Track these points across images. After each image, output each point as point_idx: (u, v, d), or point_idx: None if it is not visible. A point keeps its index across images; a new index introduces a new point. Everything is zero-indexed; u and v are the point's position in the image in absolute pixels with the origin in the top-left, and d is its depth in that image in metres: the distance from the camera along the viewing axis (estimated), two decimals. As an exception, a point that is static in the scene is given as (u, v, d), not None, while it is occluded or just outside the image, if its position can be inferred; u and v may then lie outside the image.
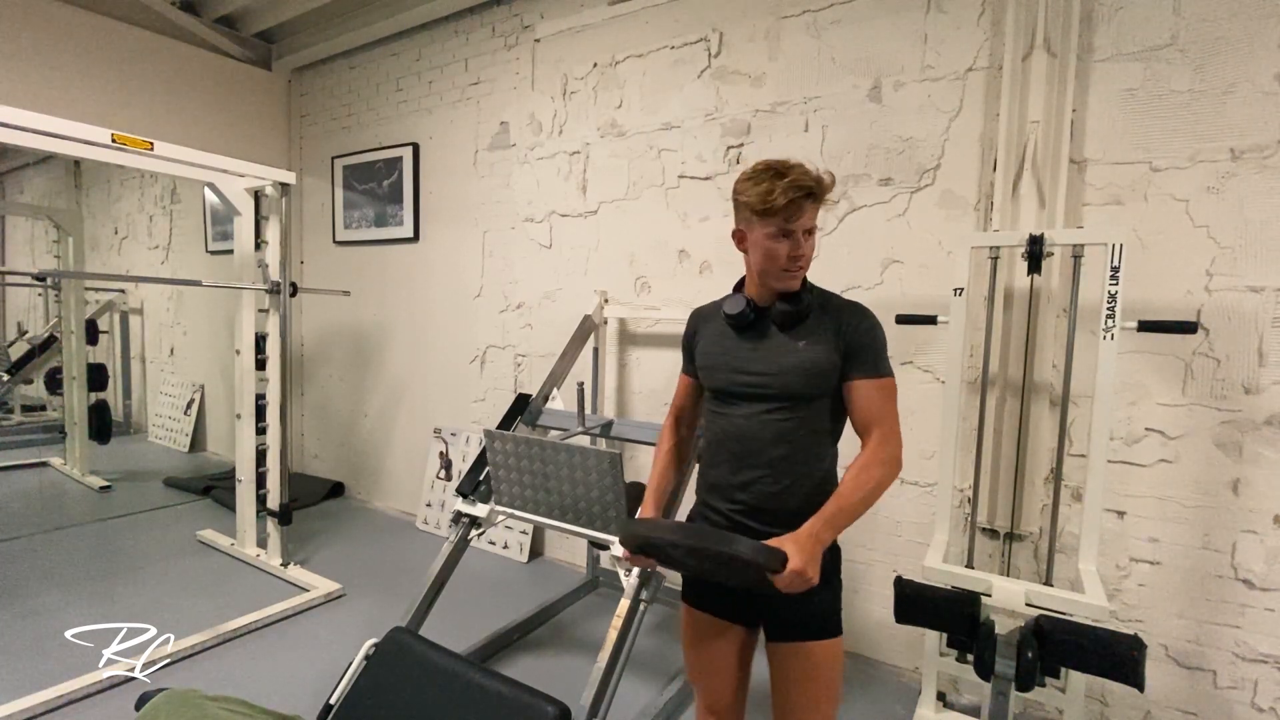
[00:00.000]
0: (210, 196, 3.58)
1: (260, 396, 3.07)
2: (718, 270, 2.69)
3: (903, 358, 2.30)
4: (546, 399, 2.50)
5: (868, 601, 2.41)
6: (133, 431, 5.93)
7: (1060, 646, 1.36)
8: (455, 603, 2.59)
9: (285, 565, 2.98)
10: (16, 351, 5.12)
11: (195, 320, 5.40)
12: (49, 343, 4.81)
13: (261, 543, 3.15)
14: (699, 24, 2.71)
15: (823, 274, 2.33)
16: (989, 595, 1.59)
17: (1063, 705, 1.79)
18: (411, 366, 3.91)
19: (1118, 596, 1.99)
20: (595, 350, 2.93)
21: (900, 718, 2.09)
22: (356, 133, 4.06)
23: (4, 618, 2.51)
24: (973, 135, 2.16)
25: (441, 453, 3.64)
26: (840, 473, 1.30)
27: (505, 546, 3.35)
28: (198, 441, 5.33)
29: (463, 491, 2.13)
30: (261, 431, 3.08)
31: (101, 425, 4.48)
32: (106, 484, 4.23)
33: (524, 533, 3.31)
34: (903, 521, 2.34)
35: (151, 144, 2.41)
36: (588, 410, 2.49)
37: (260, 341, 3.05)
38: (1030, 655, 1.36)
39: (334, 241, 4.22)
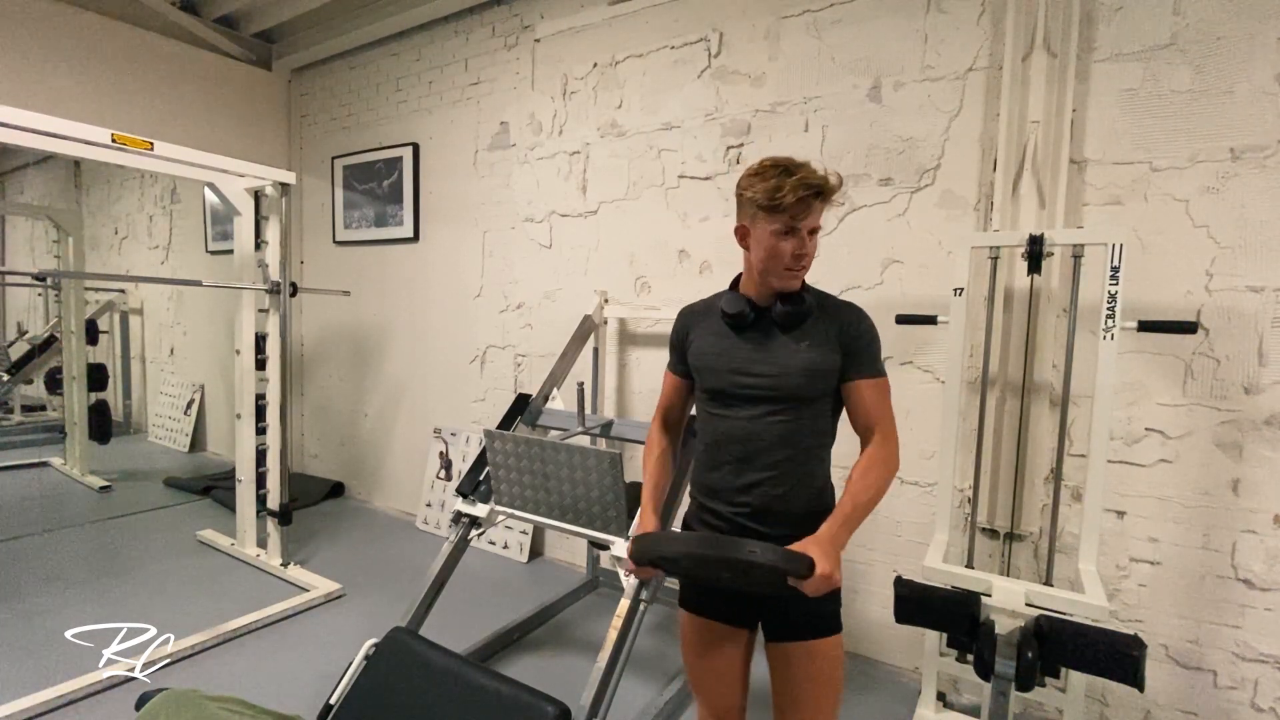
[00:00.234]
0: (210, 196, 3.58)
1: (260, 396, 3.07)
2: (718, 270, 2.69)
3: (903, 358, 2.30)
4: (546, 399, 2.50)
5: (868, 601, 2.41)
6: (133, 431, 5.93)
7: (1060, 646, 1.36)
8: (455, 603, 2.59)
9: (285, 565, 2.98)
10: (16, 351, 5.12)
11: (195, 320, 5.39)
12: (49, 343, 4.81)
13: (261, 543, 3.15)
14: (699, 24, 2.71)
15: (823, 274, 2.33)
16: (989, 595, 1.58)
17: (1063, 705, 1.79)
18: (411, 366, 3.91)
19: (1118, 596, 1.99)
20: (595, 350, 2.93)
21: (900, 718, 2.09)
22: (356, 133, 4.06)
23: (4, 618, 2.51)
24: (973, 135, 2.16)
25: (441, 453, 3.64)
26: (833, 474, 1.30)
27: (505, 546, 3.35)
28: (198, 441, 5.33)
29: (463, 491, 2.13)
30: (261, 431, 3.08)
31: (101, 425, 4.47)
32: (106, 484, 4.23)
33: (524, 533, 3.31)
34: (903, 521, 2.34)
35: (151, 144, 2.41)
36: (588, 410, 2.49)
37: (260, 341, 3.05)
38: (1030, 655, 1.36)
39: (334, 241, 4.22)
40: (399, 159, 3.80)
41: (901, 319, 2.07)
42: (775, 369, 1.21)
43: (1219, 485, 1.86)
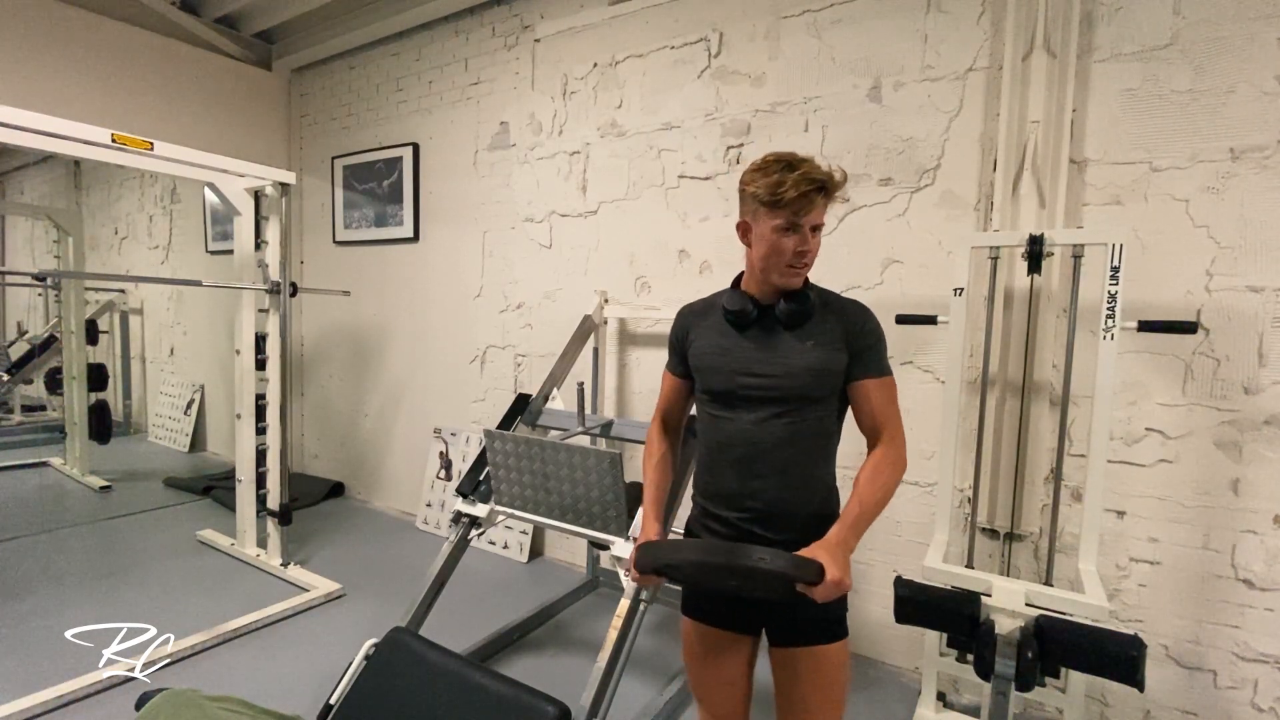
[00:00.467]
0: (210, 196, 3.58)
1: (260, 396, 3.07)
2: (718, 270, 2.69)
3: (903, 358, 2.30)
4: (546, 399, 2.50)
5: (868, 601, 2.41)
6: (133, 431, 5.94)
7: (1060, 646, 1.36)
8: (455, 603, 2.59)
9: (285, 565, 2.98)
10: (16, 351, 5.13)
11: (195, 320, 5.40)
12: (49, 343, 4.82)
13: (261, 543, 3.15)
14: (699, 24, 2.71)
15: (823, 274, 2.32)
16: (989, 595, 1.58)
17: (1063, 705, 1.79)
18: (411, 366, 3.91)
19: (1118, 596, 1.99)
20: (595, 350, 2.93)
21: (900, 718, 2.09)
22: (356, 133, 4.06)
23: (4, 618, 2.51)
24: (973, 135, 2.16)
25: (441, 453, 3.64)
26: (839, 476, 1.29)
27: (505, 546, 3.35)
28: (198, 441, 5.33)
29: (463, 491, 2.13)
30: (261, 431, 3.08)
31: (101, 425, 4.48)
32: (106, 484, 4.24)
33: (524, 533, 3.31)
34: (903, 521, 2.34)
35: (151, 144, 2.41)
36: (588, 410, 2.49)
37: (260, 341, 3.05)
38: (1030, 655, 1.36)
39: (334, 241, 4.22)
40: (399, 159, 3.80)
41: (901, 319, 2.07)
42: (779, 369, 1.18)
43: (1219, 485, 1.86)
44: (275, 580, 2.93)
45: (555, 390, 2.54)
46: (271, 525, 3.03)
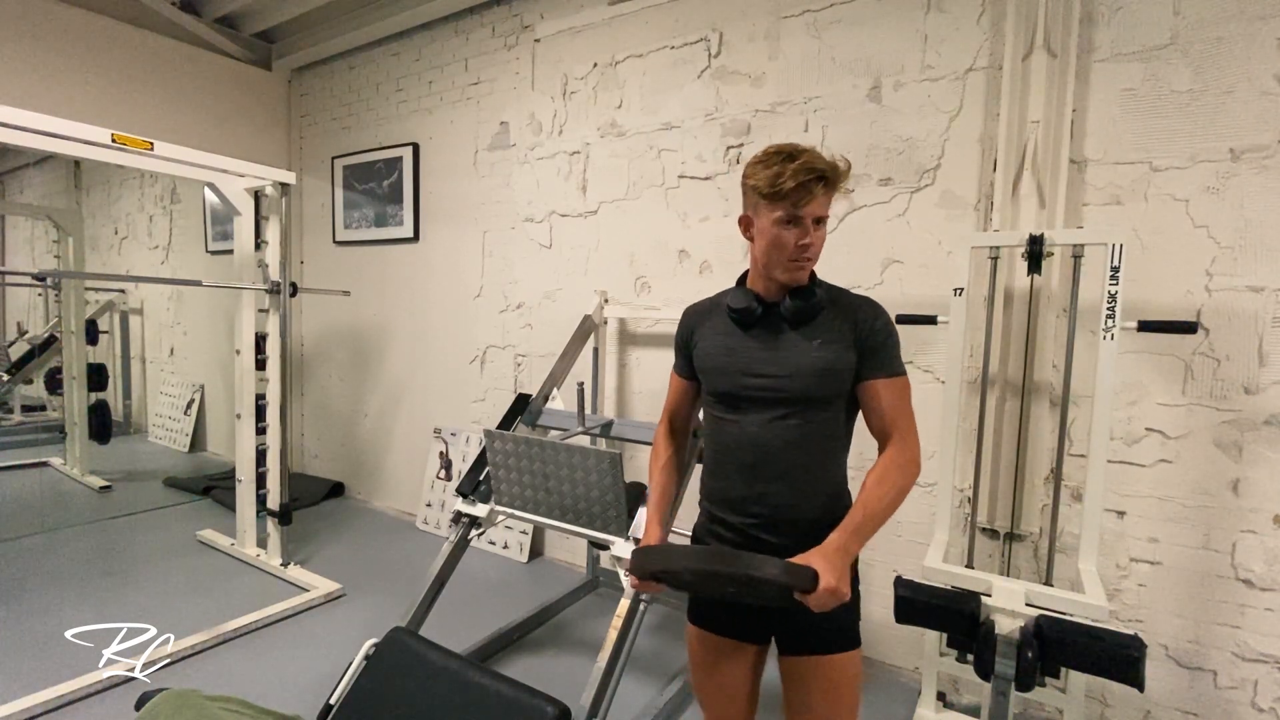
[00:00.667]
0: (210, 196, 3.58)
1: (260, 396, 3.07)
2: (718, 270, 2.69)
3: (903, 358, 2.29)
4: (546, 399, 2.50)
5: (868, 601, 2.41)
6: (133, 431, 5.93)
7: (1060, 646, 1.36)
8: (455, 603, 2.59)
9: (285, 565, 2.98)
10: (16, 351, 5.12)
11: (195, 320, 5.39)
12: (49, 343, 4.81)
13: (261, 543, 3.15)
14: (699, 24, 2.71)
15: (823, 274, 2.31)
16: (989, 595, 1.58)
17: (1063, 705, 1.79)
18: (411, 366, 3.91)
19: (1118, 596, 1.99)
20: (595, 350, 2.93)
21: (900, 718, 2.09)
22: (356, 133, 4.06)
23: (4, 618, 2.51)
24: (973, 135, 2.16)
25: (441, 453, 3.64)
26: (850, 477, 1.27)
27: (505, 546, 3.35)
28: (198, 441, 5.32)
29: (463, 491, 2.13)
30: (261, 431, 3.08)
31: (101, 425, 4.47)
32: (106, 484, 4.23)
33: (524, 533, 3.31)
34: (903, 521, 2.34)
35: (151, 144, 2.41)
36: (588, 410, 2.49)
37: (260, 341, 3.05)
38: (1030, 655, 1.36)
39: (334, 241, 4.22)
40: (399, 159, 3.80)
41: (901, 319, 2.07)
42: (785, 369, 1.14)
43: (1219, 485, 1.86)
44: (275, 580, 2.93)
45: (555, 390, 2.54)
46: (271, 525, 3.03)
